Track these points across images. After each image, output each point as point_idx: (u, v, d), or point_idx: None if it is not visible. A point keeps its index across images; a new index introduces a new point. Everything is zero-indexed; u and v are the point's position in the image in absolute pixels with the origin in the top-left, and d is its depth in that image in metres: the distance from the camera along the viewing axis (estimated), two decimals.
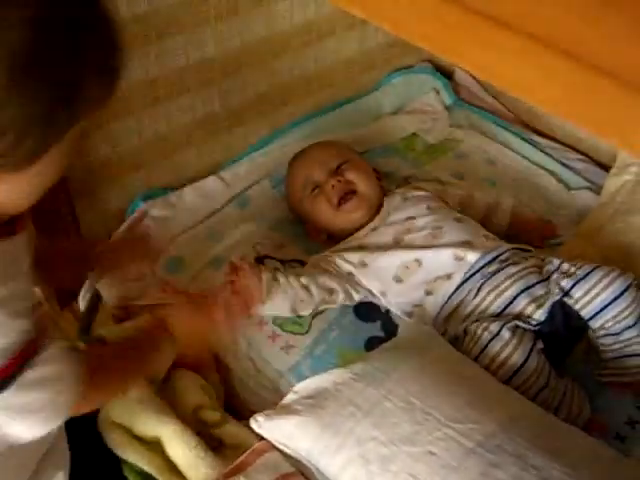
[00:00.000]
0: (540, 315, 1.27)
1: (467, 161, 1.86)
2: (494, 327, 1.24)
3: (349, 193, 1.51)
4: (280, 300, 1.32)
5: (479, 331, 1.25)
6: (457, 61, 0.53)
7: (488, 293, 1.32)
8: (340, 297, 1.38)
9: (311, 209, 1.55)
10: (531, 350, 1.22)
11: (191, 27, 1.50)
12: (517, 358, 1.21)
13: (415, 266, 1.39)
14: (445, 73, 2.06)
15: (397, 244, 1.44)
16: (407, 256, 1.40)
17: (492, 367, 1.22)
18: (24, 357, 0.80)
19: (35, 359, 0.81)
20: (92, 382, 0.89)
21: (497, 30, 0.49)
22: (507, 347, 1.22)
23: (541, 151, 1.85)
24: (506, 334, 1.23)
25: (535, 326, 1.27)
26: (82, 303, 1.52)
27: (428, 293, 1.37)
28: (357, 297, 1.41)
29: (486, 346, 1.24)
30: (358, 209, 1.51)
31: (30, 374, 0.81)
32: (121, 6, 1.36)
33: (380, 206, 1.53)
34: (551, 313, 1.28)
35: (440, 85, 2.03)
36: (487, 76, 0.52)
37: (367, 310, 1.42)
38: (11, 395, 0.80)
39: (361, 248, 1.46)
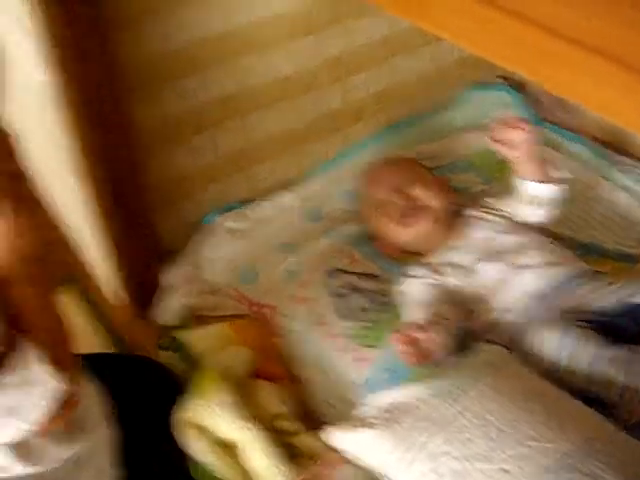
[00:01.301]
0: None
1: None
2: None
3: (416, 209, 1.52)
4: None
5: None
6: (532, 78, 0.54)
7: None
8: None
9: (380, 226, 1.57)
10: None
11: (267, 46, 1.53)
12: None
13: (498, 286, 1.39)
14: (520, 89, 2.05)
15: (479, 263, 1.44)
16: (490, 276, 1.40)
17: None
18: None
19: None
20: None
21: (572, 49, 0.50)
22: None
23: (617, 168, 1.83)
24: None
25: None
26: (159, 312, 1.56)
27: (507, 311, 1.37)
28: None
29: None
30: (425, 225, 1.51)
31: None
32: (199, 25, 1.41)
33: (454, 223, 1.53)
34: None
35: (514, 101, 2.02)
36: (562, 92, 0.53)
37: None
38: None
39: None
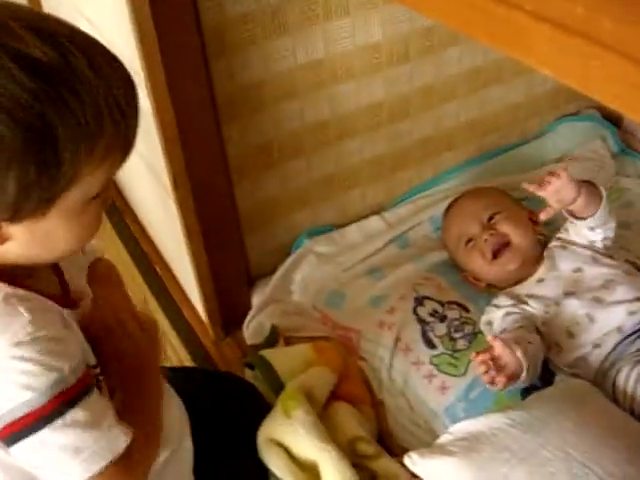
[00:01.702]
0: None
1: (632, 210, 1.81)
2: None
3: (503, 245, 1.51)
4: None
5: None
6: (629, 113, 0.54)
7: None
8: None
9: (466, 261, 1.56)
10: None
11: (361, 72, 1.56)
12: None
13: (586, 321, 1.37)
14: (613, 120, 2.03)
15: (567, 297, 1.41)
16: (578, 310, 1.38)
17: None
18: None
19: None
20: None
21: None
22: None
23: None
24: None
25: None
26: (247, 332, 1.59)
27: (595, 346, 1.35)
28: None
29: None
30: (512, 261, 1.50)
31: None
32: (297, 53, 1.45)
33: (540, 255, 1.52)
34: None
35: (607, 133, 2.00)
36: None
37: None
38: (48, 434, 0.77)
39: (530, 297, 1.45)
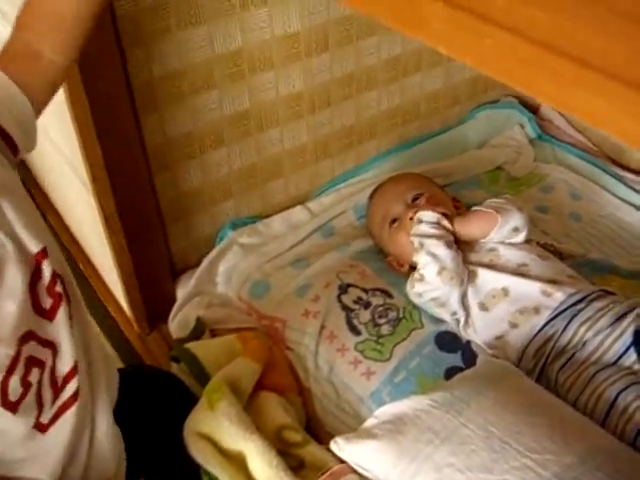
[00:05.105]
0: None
1: (552, 195, 1.86)
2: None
3: None
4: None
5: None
6: (536, 96, 0.55)
7: (579, 327, 1.32)
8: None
9: (390, 242, 1.58)
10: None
11: (281, 63, 1.56)
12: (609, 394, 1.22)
13: (501, 295, 1.40)
14: (530, 107, 2.07)
15: (484, 267, 1.45)
16: (494, 283, 1.41)
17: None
18: None
19: None
20: None
21: (573, 65, 0.51)
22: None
23: (626, 185, 1.84)
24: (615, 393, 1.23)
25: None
26: (172, 326, 1.58)
27: (513, 326, 1.38)
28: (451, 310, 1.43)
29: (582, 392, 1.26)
30: None
31: None
32: (215, 42, 1.45)
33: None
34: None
35: (525, 119, 2.04)
36: (565, 110, 0.55)
37: (448, 340, 1.43)
38: None
39: None
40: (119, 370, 1.24)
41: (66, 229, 2.00)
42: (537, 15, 0.52)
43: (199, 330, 1.54)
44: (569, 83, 0.54)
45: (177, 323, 1.58)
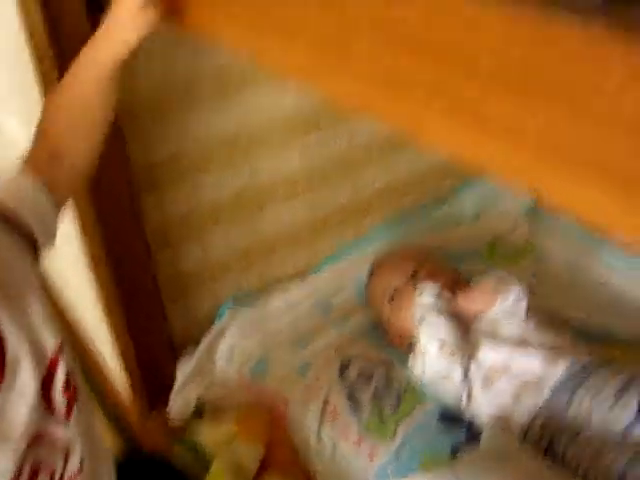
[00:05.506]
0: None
1: (549, 264, 1.86)
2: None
3: None
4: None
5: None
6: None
7: (583, 398, 1.31)
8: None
9: (391, 316, 1.58)
10: None
11: (277, 143, 1.59)
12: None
13: (503, 369, 1.38)
14: None
15: (484, 345, 1.43)
16: (496, 357, 1.40)
17: None
18: None
19: None
20: None
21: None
22: None
23: (625, 257, 1.84)
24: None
25: None
26: (173, 409, 1.56)
27: (516, 400, 1.36)
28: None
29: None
30: None
31: None
32: (207, 127, 1.47)
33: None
34: None
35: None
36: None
37: (452, 416, 1.42)
38: None
39: None
40: (116, 462, 1.21)
41: (61, 313, 1.99)
42: None
43: (199, 412, 1.52)
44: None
45: (177, 408, 1.56)
